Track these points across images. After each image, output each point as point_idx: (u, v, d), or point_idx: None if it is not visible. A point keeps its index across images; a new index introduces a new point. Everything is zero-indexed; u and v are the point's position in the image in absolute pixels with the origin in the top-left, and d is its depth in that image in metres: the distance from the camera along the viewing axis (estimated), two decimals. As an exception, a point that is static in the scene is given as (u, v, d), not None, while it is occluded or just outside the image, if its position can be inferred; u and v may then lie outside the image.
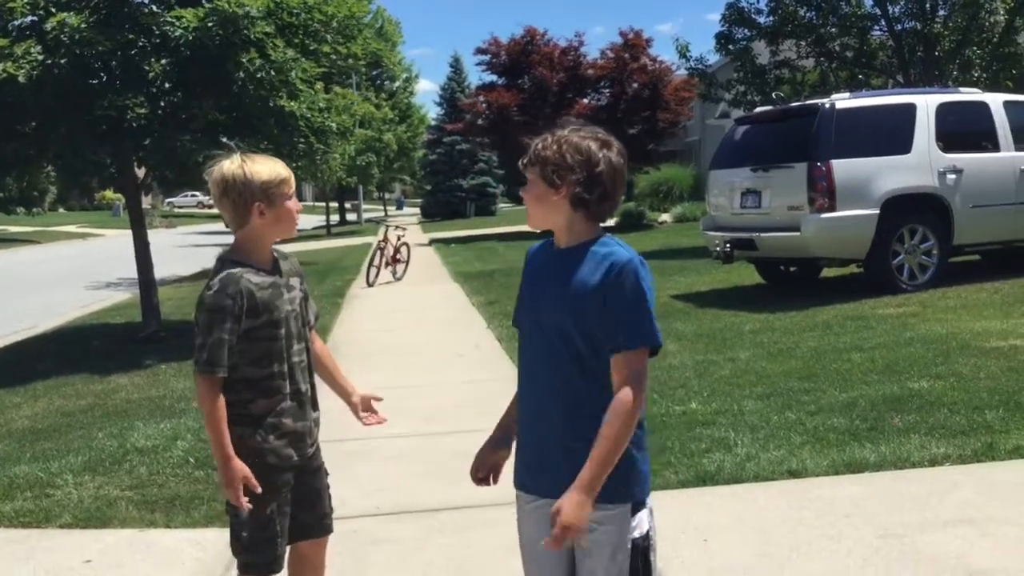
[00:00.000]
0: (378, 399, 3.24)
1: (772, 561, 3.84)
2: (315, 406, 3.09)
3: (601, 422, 2.27)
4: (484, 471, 2.61)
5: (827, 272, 12.09)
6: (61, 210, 63.45)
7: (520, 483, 2.52)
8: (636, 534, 2.37)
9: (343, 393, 3.23)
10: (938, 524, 4.09)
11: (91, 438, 6.36)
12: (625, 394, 2.27)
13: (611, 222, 28.34)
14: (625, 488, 2.35)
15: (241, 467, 2.80)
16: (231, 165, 2.89)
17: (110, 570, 4.17)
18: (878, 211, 9.83)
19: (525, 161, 2.43)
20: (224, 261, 2.91)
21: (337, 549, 3.99)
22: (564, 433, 2.37)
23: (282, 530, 2.96)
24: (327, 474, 3.18)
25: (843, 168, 9.81)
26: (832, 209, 9.81)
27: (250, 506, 2.81)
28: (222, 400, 2.82)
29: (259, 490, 2.81)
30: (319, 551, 3.18)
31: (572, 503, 2.22)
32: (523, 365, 2.52)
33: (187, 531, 4.58)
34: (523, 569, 2.57)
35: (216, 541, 4.41)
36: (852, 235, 9.93)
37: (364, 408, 3.21)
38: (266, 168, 2.91)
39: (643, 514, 2.39)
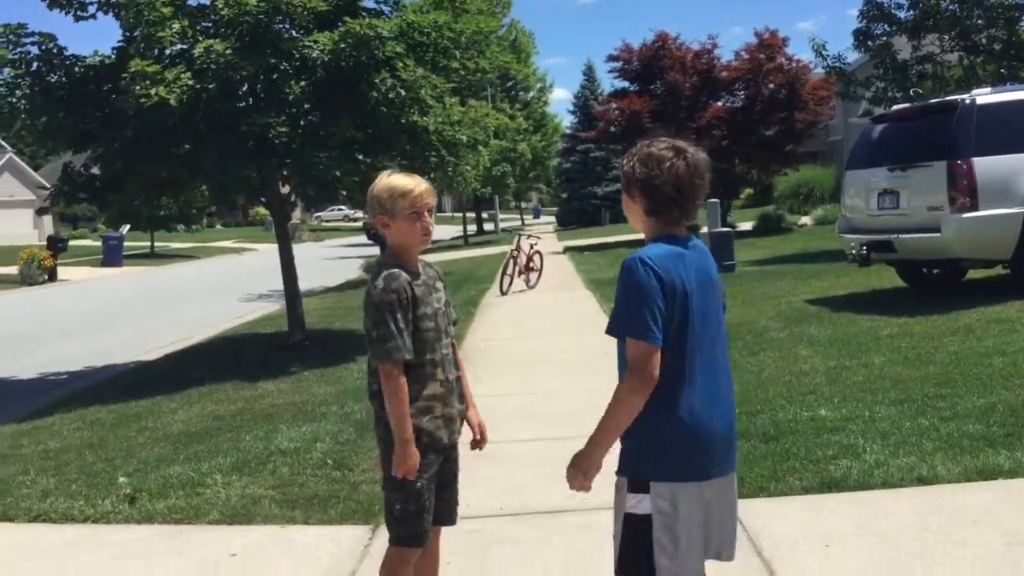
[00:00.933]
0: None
1: (893, 567, 3.79)
2: (461, 399, 3.32)
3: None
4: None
5: (972, 274, 11.62)
6: (218, 227, 66.76)
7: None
8: (632, 509, 2.56)
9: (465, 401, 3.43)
10: (1073, 533, 3.95)
11: (239, 440, 6.77)
12: (625, 377, 2.54)
13: (748, 225, 27.88)
14: (625, 463, 2.62)
15: (416, 453, 3.08)
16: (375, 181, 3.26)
17: (253, 563, 4.46)
18: (1023, 210, 9.40)
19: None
20: (382, 264, 3.22)
21: (460, 547, 4.17)
22: None
23: (430, 506, 3.20)
24: (459, 468, 3.40)
25: (985, 166, 9.43)
26: (974, 208, 9.45)
27: (411, 477, 3.10)
28: (405, 386, 3.08)
29: (415, 472, 3.09)
30: (436, 540, 3.40)
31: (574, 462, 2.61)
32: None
33: (324, 528, 4.85)
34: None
35: (349, 537, 4.66)
36: (996, 235, 9.53)
37: (475, 427, 3.43)
38: (385, 182, 3.20)
39: (646, 497, 2.54)
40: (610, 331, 2.60)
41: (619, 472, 2.65)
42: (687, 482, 2.55)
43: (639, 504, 2.56)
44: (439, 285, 3.33)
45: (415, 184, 3.19)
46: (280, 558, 4.49)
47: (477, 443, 3.43)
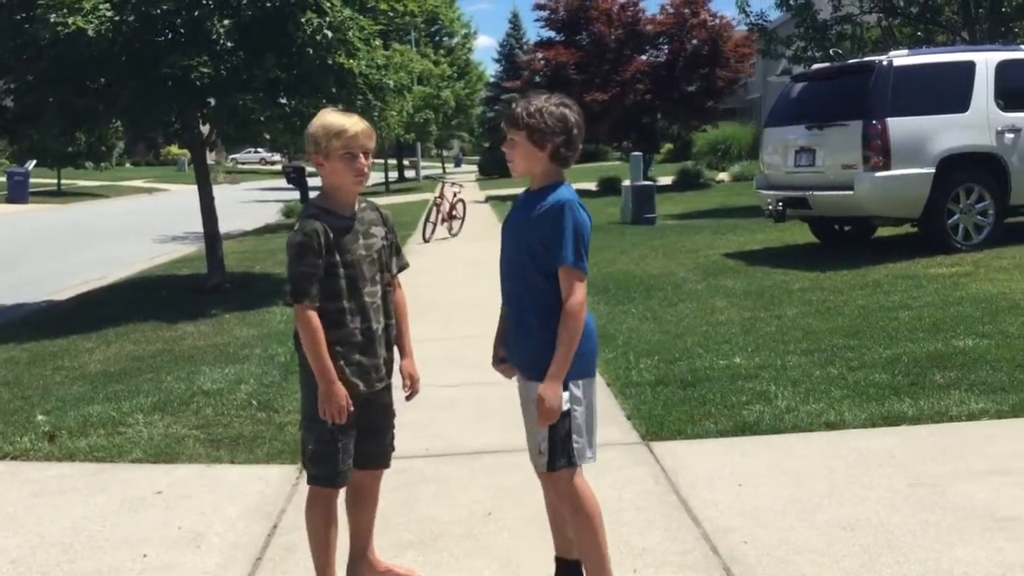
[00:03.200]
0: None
1: (803, 506, 3.99)
2: (388, 347, 3.33)
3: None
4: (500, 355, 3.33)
5: (881, 231, 12.05)
6: (128, 165, 64.78)
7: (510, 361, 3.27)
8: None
9: (399, 349, 3.47)
10: (970, 474, 4.21)
11: (160, 381, 6.71)
12: (569, 302, 2.94)
13: (668, 180, 28.24)
14: (541, 371, 2.97)
15: (342, 391, 3.11)
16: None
17: (180, 501, 4.47)
18: (934, 170, 9.77)
19: (509, 125, 3.04)
20: (309, 205, 3.24)
21: (390, 485, 4.24)
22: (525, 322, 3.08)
23: (344, 449, 3.22)
24: (394, 415, 3.44)
25: (899, 126, 9.76)
26: (887, 168, 9.78)
27: (339, 420, 3.13)
28: (319, 327, 3.09)
29: (346, 414, 3.12)
30: (374, 483, 3.45)
31: (548, 391, 2.94)
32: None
33: (250, 467, 4.88)
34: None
35: (277, 476, 4.70)
36: (907, 194, 9.89)
37: (405, 376, 3.45)
38: (319, 121, 3.16)
39: (564, 394, 2.97)
40: (566, 262, 2.94)
41: (533, 379, 3.00)
42: (591, 377, 3.08)
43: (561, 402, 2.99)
44: (375, 231, 3.27)
45: (351, 124, 3.12)
46: (207, 495, 4.51)
47: (408, 395, 3.44)
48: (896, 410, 5.09)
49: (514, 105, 3.06)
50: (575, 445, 3.02)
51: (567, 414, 2.99)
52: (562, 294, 2.94)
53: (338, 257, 3.13)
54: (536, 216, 3.00)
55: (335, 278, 3.14)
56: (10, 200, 35.27)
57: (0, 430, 5.64)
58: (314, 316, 3.08)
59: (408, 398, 3.43)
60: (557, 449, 3.01)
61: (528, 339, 3.06)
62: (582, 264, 2.95)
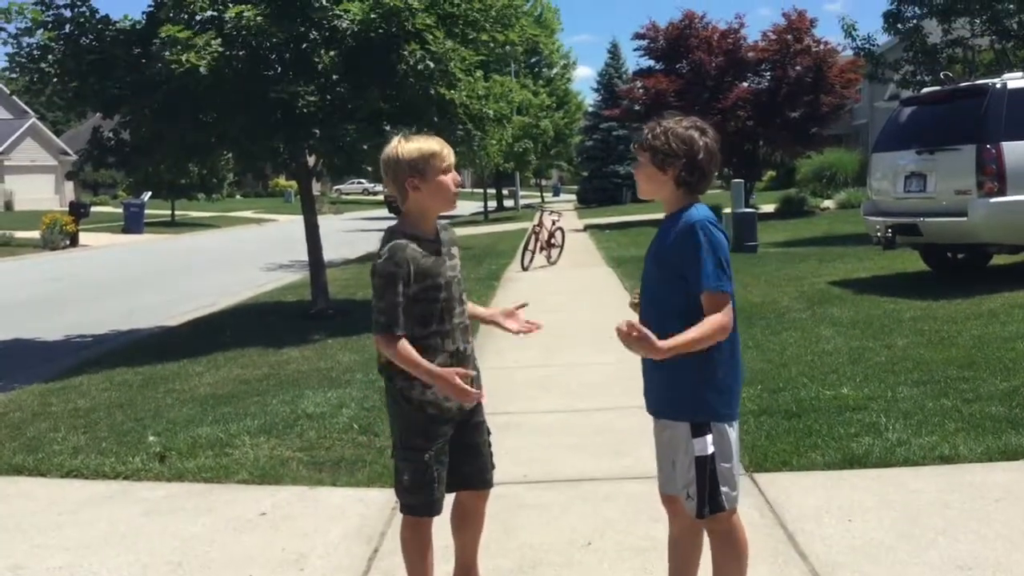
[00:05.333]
0: (522, 305, 3.50)
1: (916, 542, 3.83)
2: (475, 367, 3.33)
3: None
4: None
5: (997, 259, 11.58)
6: (238, 197, 66.97)
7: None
8: (698, 452, 2.88)
9: (488, 317, 3.49)
10: (1095, 513, 3.98)
11: (266, 404, 6.87)
12: (711, 316, 2.80)
13: (770, 208, 27.77)
14: (686, 410, 2.90)
15: (448, 370, 3.09)
16: (388, 146, 3.22)
17: (283, 521, 4.54)
18: (1052, 196, 9.36)
19: (636, 146, 3.00)
20: (392, 232, 3.20)
21: (488, 511, 4.24)
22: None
23: (439, 477, 3.21)
24: (488, 432, 3.43)
25: (1014, 150, 9.39)
26: (1002, 193, 9.42)
27: (480, 395, 3.18)
28: (405, 343, 3.09)
29: (472, 388, 3.10)
30: (479, 503, 3.43)
31: (656, 349, 2.77)
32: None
33: (351, 490, 4.93)
34: None
35: (377, 499, 4.74)
36: (1023, 221, 9.49)
37: (508, 316, 3.45)
38: (415, 145, 3.18)
39: (708, 437, 2.87)
40: (706, 287, 2.81)
41: (672, 417, 2.94)
42: (734, 421, 2.96)
43: (705, 446, 2.88)
44: (455, 251, 3.32)
45: (442, 144, 3.21)
46: (309, 517, 4.58)
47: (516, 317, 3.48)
48: (1014, 444, 4.86)
49: (645, 125, 2.99)
50: (722, 497, 2.91)
51: (710, 460, 2.88)
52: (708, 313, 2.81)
53: (431, 281, 3.14)
54: (670, 243, 2.90)
55: (432, 303, 3.15)
56: (126, 230, 36.85)
57: (113, 451, 5.84)
58: (406, 344, 3.08)
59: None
60: (704, 498, 2.90)
61: (663, 377, 2.95)
62: (723, 285, 2.80)
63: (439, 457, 3.21)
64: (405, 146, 3.17)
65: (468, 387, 3.07)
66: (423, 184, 3.16)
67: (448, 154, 3.20)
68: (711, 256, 2.79)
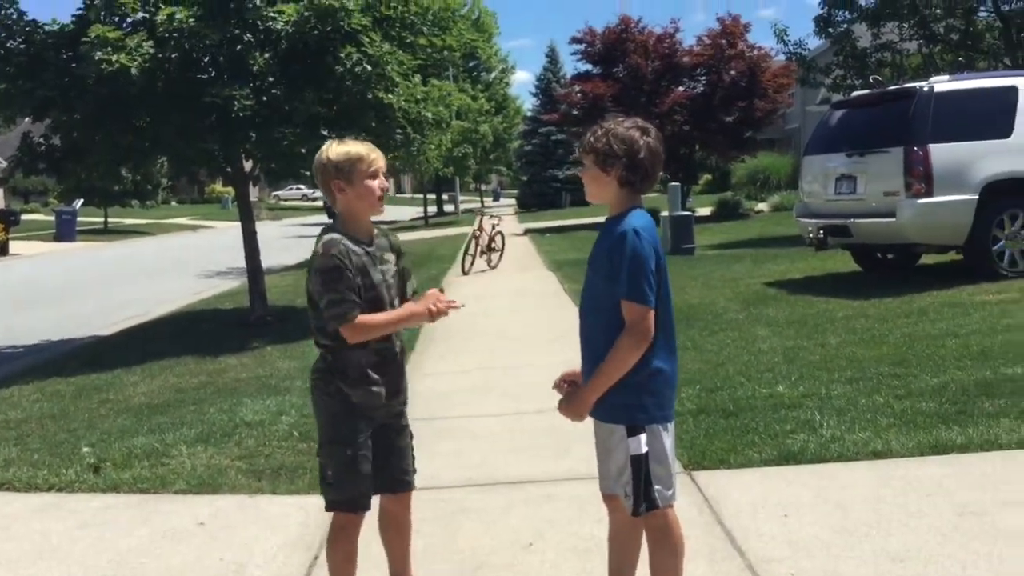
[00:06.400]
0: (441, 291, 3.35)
1: (851, 536, 3.91)
2: (401, 367, 3.35)
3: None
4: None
5: (925, 259, 11.88)
6: (173, 204, 65.87)
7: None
8: (633, 451, 2.93)
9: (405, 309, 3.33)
10: (1022, 503, 4.10)
11: (203, 413, 6.76)
12: (623, 334, 2.85)
13: (707, 211, 28.15)
14: (619, 413, 2.94)
15: (415, 305, 3.21)
16: (320, 151, 3.25)
17: (222, 531, 4.48)
18: (977, 196, 9.63)
19: (580, 149, 3.02)
20: (327, 229, 3.23)
21: (428, 515, 4.24)
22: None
23: (364, 471, 3.20)
24: (411, 436, 3.44)
25: (941, 152, 9.64)
26: (929, 194, 9.66)
27: (457, 303, 3.24)
28: (370, 321, 3.12)
29: (449, 304, 3.20)
30: (403, 509, 3.41)
31: (578, 401, 2.97)
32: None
33: (291, 497, 4.88)
34: None
35: (319, 507, 4.66)
36: (950, 221, 9.75)
37: (431, 299, 3.26)
38: (343, 148, 3.21)
39: (642, 437, 2.92)
40: (621, 294, 2.85)
41: (609, 421, 2.97)
42: (668, 423, 2.99)
43: (639, 445, 2.93)
44: (389, 256, 3.31)
45: (369, 149, 3.23)
46: (249, 526, 4.52)
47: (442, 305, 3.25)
48: (944, 438, 4.98)
49: (588, 129, 3.02)
50: (656, 495, 2.95)
51: (644, 460, 2.92)
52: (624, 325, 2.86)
53: (364, 280, 3.15)
54: (605, 248, 2.93)
55: (363, 302, 3.17)
56: (58, 238, 36.01)
57: (46, 462, 5.70)
58: (362, 318, 3.10)
59: (443, 305, 3.21)
60: (640, 496, 2.95)
61: None
62: (638, 295, 2.83)
63: (363, 452, 3.19)
64: (334, 149, 3.21)
65: (436, 306, 3.17)
66: (348, 187, 3.19)
67: (376, 159, 3.21)
68: (631, 265, 2.82)
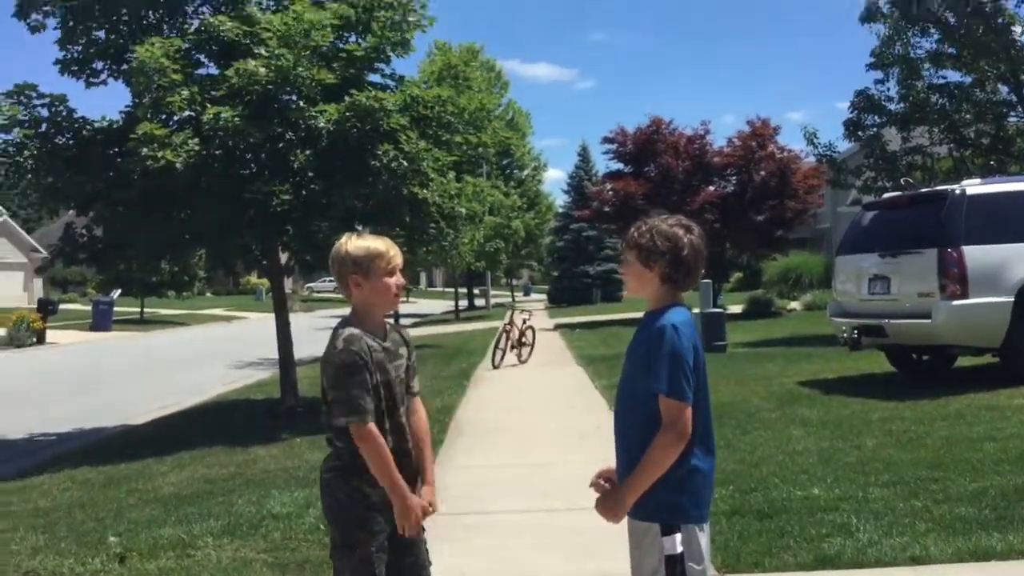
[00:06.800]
0: (432, 511, 3.29)
1: (890, 645, 3.79)
2: (414, 466, 3.30)
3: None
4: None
5: (962, 361, 11.72)
6: (208, 294, 66.70)
7: None
8: (668, 551, 2.87)
9: (422, 476, 3.34)
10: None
11: (231, 504, 6.74)
12: (660, 432, 2.83)
13: (738, 308, 28.07)
14: (656, 512, 2.89)
15: (418, 500, 3.12)
16: (338, 243, 3.26)
17: (245, 625, 4.42)
18: (1013, 298, 9.55)
19: (624, 245, 3.06)
20: (344, 324, 3.21)
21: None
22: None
23: (380, 574, 3.15)
24: (424, 529, 3.35)
25: (975, 254, 9.61)
26: (964, 296, 9.59)
27: (414, 534, 3.15)
28: (384, 442, 3.08)
29: (432, 511, 3.15)
30: None
31: (615, 501, 2.91)
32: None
33: (316, 592, 4.82)
34: None
35: (343, 602, 4.62)
36: (986, 323, 9.65)
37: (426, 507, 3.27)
38: (363, 243, 3.21)
39: (677, 536, 2.86)
40: (658, 390, 2.83)
41: (644, 519, 2.91)
42: (704, 523, 2.95)
43: (674, 545, 2.88)
44: (402, 351, 3.31)
45: (388, 245, 3.24)
46: (273, 621, 4.46)
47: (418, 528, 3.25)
48: (984, 544, 4.85)
49: (633, 225, 3.02)
50: None
51: (679, 560, 2.87)
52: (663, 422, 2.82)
53: (379, 377, 3.14)
54: (642, 342, 2.93)
55: (379, 400, 3.14)
56: (94, 328, 36.46)
57: (72, 551, 5.69)
58: (377, 432, 3.06)
59: (414, 532, 3.20)
60: None
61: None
62: (676, 392, 2.81)
63: (379, 554, 3.15)
64: (353, 243, 3.22)
65: (418, 521, 3.12)
66: (366, 283, 3.19)
67: (394, 256, 3.22)
68: (669, 360, 2.81)
